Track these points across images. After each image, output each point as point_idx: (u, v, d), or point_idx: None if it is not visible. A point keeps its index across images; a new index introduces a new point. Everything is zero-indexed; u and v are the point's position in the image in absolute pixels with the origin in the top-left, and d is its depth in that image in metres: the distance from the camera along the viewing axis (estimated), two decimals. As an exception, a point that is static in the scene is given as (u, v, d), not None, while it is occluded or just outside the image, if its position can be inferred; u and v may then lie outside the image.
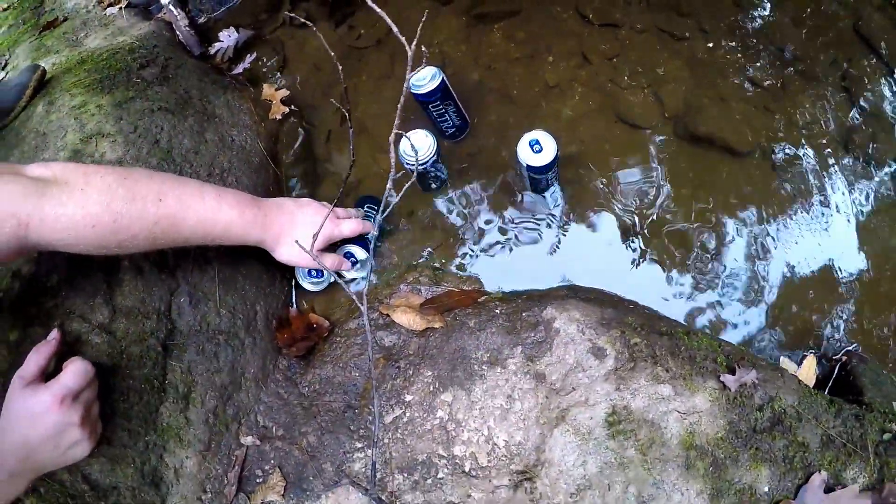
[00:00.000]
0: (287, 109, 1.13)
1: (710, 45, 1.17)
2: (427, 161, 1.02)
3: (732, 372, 0.80)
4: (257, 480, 0.87)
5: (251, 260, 1.01)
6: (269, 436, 0.91)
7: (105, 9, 1.36)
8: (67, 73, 1.03)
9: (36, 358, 0.70)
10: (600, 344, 0.85)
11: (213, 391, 0.90)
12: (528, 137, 0.99)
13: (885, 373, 0.90)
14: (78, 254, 0.75)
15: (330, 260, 0.98)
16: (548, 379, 0.85)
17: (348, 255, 1.03)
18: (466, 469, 0.82)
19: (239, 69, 1.19)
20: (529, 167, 0.99)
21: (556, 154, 0.98)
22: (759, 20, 1.21)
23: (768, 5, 1.22)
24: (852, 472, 0.76)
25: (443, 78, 1.00)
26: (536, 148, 0.98)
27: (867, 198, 1.05)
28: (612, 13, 1.19)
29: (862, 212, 1.04)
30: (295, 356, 0.97)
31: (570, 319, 0.88)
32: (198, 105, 1.05)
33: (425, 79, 1.01)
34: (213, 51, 1.20)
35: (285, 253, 0.92)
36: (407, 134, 1.00)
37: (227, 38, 1.22)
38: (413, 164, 1.02)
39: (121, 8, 1.34)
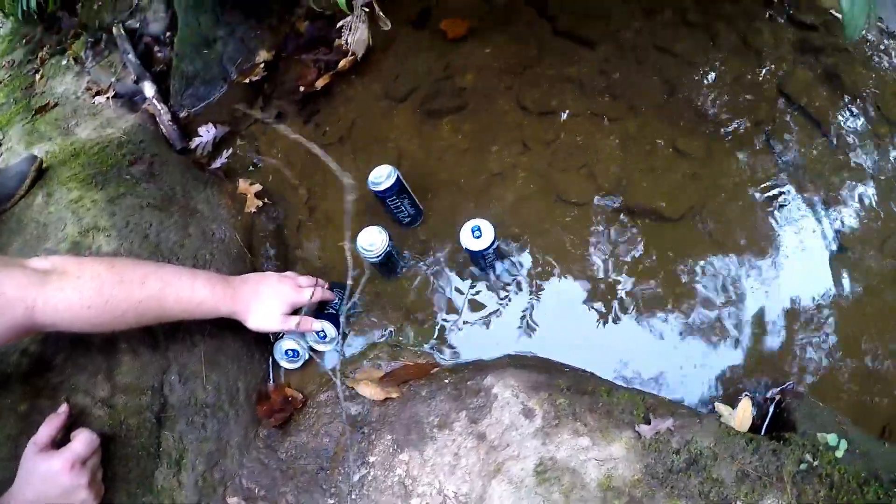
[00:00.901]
0: (261, 203, 1.43)
1: (640, 122, 1.45)
2: (381, 254, 1.29)
3: (648, 422, 1.06)
4: (241, 536, 1.13)
5: (233, 341, 1.28)
6: (252, 496, 1.17)
7: (93, 97, 1.68)
8: (63, 165, 1.33)
9: (48, 427, 0.96)
10: (530, 405, 1.11)
11: (201, 457, 1.16)
12: (469, 225, 1.26)
13: (822, 405, 1.11)
14: (78, 332, 1.04)
15: (295, 321, 1.22)
16: (488, 437, 1.11)
17: (319, 333, 1.30)
18: (421, 518, 1.08)
19: (217, 164, 1.50)
20: (470, 251, 1.26)
21: (494, 239, 1.25)
22: (685, 92, 1.47)
23: (694, 78, 1.49)
24: (769, 502, 0.95)
25: (398, 176, 1.30)
26: (476, 234, 1.25)
27: (799, 243, 1.30)
28: (549, 102, 1.50)
29: (786, 256, 1.29)
30: (273, 426, 1.24)
31: (505, 385, 1.15)
32: (181, 201, 1.35)
33: (381, 177, 1.30)
34: (193, 145, 1.51)
35: (253, 321, 1.19)
36: (363, 231, 1.30)
37: (206, 133, 1.54)
38: (370, 258, 1.30)
39: (108, 98, 1.66)
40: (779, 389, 1.17)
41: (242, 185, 1.46)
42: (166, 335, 1.20)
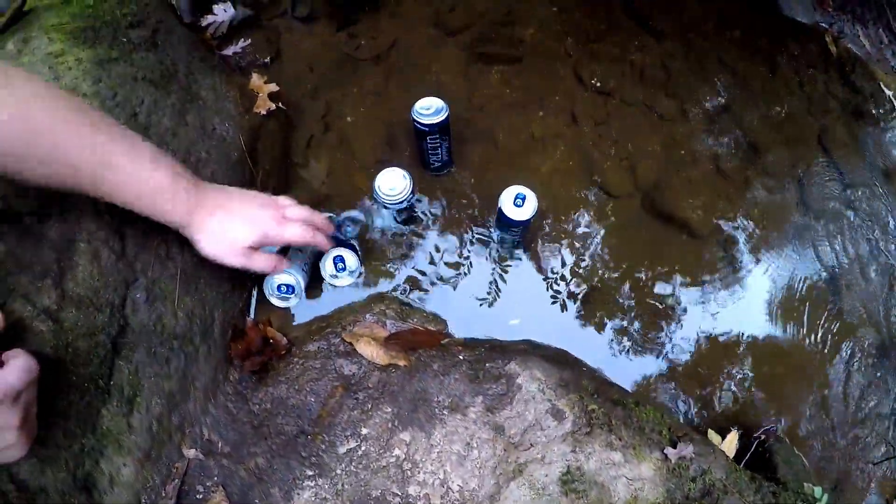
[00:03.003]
0: (273, 106, 1.14)
1: (689, 128, 1.34)
2: (403, 200, 1.09)
3: (674, 445, 0.95)
4: (197, 496, 0.89)
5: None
6: (214, 451, 0.93)
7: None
8: (49, 10, 0.97)
9: None
10: (560, 406, 0.96)
11: (159, 398, 0.90)
12: (513, 190, 1.09)
13: (797, 453, 1.09)
14: None
15: (261, 261, 0.93)
16: (507, 432, 0.95)
17: (338, 260, 1.08)
18: (419, 510, 0.90)
19: (229, 51, 1.19)
20: (508, 218, 1.08)
21: (535, 211, 1.08)
22: (733, 110, 1.38)
23: (748, 102, 1.40)
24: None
25: (448, 113, 1.08)
26: (519, 202, 1.08)
27: (802, 287, 1.25)
28: (608, 81, 1.34)
29: (790, 299, 1.24)
30: (248, 371, 1.00)
31: (531, 378, 0.99)
32: (183, 81, 1.04)
33: (431, 109, 1.08)
34: (204, 23, 1.17)
35: (207, 244, 0.88)
36: (384, 172, 1.08)
37: (223, 12, 1.21)
38: (388, 203, 1.09)
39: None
40: (762, 430, 1.14)
41: (256, 80, 1.15)
42: (137, 241, 0.91)
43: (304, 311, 1.11)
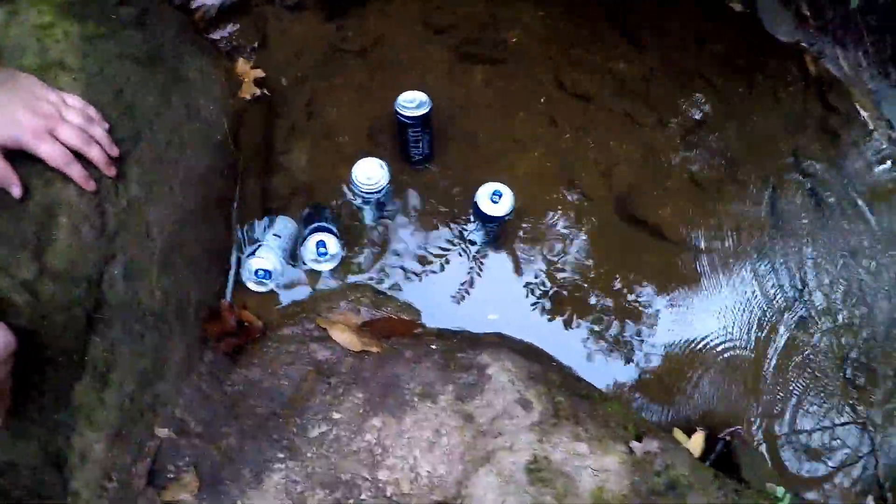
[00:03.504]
0: (258, 91, 1.14)
1: (666, 137, 1.37)
2: (380, 190, 1.10)
3: (639, 440, 0.98)
4: (169, 476, 0.88)
5: (196, 242, 1.01)
6: (186, 431, 0.92)
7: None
8: None
9: None
10: (528, 397, 0.98)
11: (132, 375, 0.89)
12: (490, 187, 1.10)
13: (761, 456, 1.14)
14: None
15: None
16: (476, 420, 0.96)
17: (320, 245, 1.08)
18: (388, 494, 0.91)
19: (217, 35, 1.18)
20: (483, 214, 1.10)
21: (511, 209, 1.10)
22: (711, 123, 1.41)
23: (725, 116, 1.43)
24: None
25: (430, 107, 1.10)
26: (495, 199, 1.09)
27: (770, 296, 1.28)
28: (587, 87, 1.37)
29: (756, 308, 1.26)
30: (222, 352, 1.00)
31: (502, 368, 1.01)
32: (170, 63, 1.03)
33: (414, 102, 1.10)
34: (194, 5, 1.16)
35: None
36: (361, 162, 1.09)
37: (213, -4, 1.20)
38: (365, 194, 1.10)
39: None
40: (728, 432, 1.16)
41: (242, 65, 1.15)
42: (118, 218, 0.90)
43: (280, 295, 1.11)
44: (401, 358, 1.02)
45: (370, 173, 1.09)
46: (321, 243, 1.08)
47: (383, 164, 1.10)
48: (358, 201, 1.17)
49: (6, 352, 0.67)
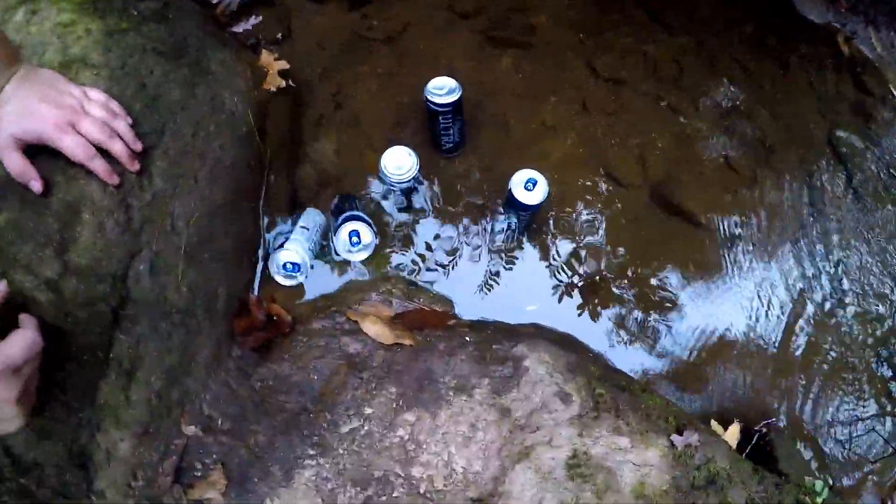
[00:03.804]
0: (283, 83, 1.11)
1: (700, 122, 1.31)
2: (410, 179, 1.07)
3: (680, 433, 0.92)
4: (196, 474, 0.86)
5: (224, 236, 0.99)
6: (213, 428, 0.90)
7: None
8: None
9: None
10: (567, 389, 0.93)
11: (159, 372, 0.87)
12: (524, 174, 1.06)
13: (797, 448, 1.08)
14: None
15: (14, 162, 0.75)
16: (513, 414, 0.92)
17: (352, 234, 1.05)
18: (422, 490, 0.87)
19: (239, 28, 1.16)
20: (518, 202, 1.05)
21: (545, 197, 1.05)
22: (744, 107, 1.35)
23: (759, 100, 1.36)
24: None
25: (461, 94, 1.06)
26: (529, 187, 1.05)
27: (805, 284, 1.22)
28: (620, 71, 1.31)
29: (792, 296, 1.20)
30: (250, 347, 0.97)
31: (539, 360, 0.96)
32: (193, 56, 1.01)
33: (444, 89, 1.06)
34: (215, 0, 1.15)
35: (7, 113, 0.74)
36: (390, 151, 1.05)
37: (234, -11, 1.18)
38: (395, 183, 1.07)
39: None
40: (764, 423, 1.12)
41: (266, 57, 1.13)
42: (143, 213, 0.88)
43: (309, 288, 1.08)
44: (434, 351, 0.98)
45: (399, 162, 1.06)
46: (354, 233, 1.05)
47: (412, 152, 1.07)
48: (387, 190, 1.14)
49: (31, 352, 0.65)
